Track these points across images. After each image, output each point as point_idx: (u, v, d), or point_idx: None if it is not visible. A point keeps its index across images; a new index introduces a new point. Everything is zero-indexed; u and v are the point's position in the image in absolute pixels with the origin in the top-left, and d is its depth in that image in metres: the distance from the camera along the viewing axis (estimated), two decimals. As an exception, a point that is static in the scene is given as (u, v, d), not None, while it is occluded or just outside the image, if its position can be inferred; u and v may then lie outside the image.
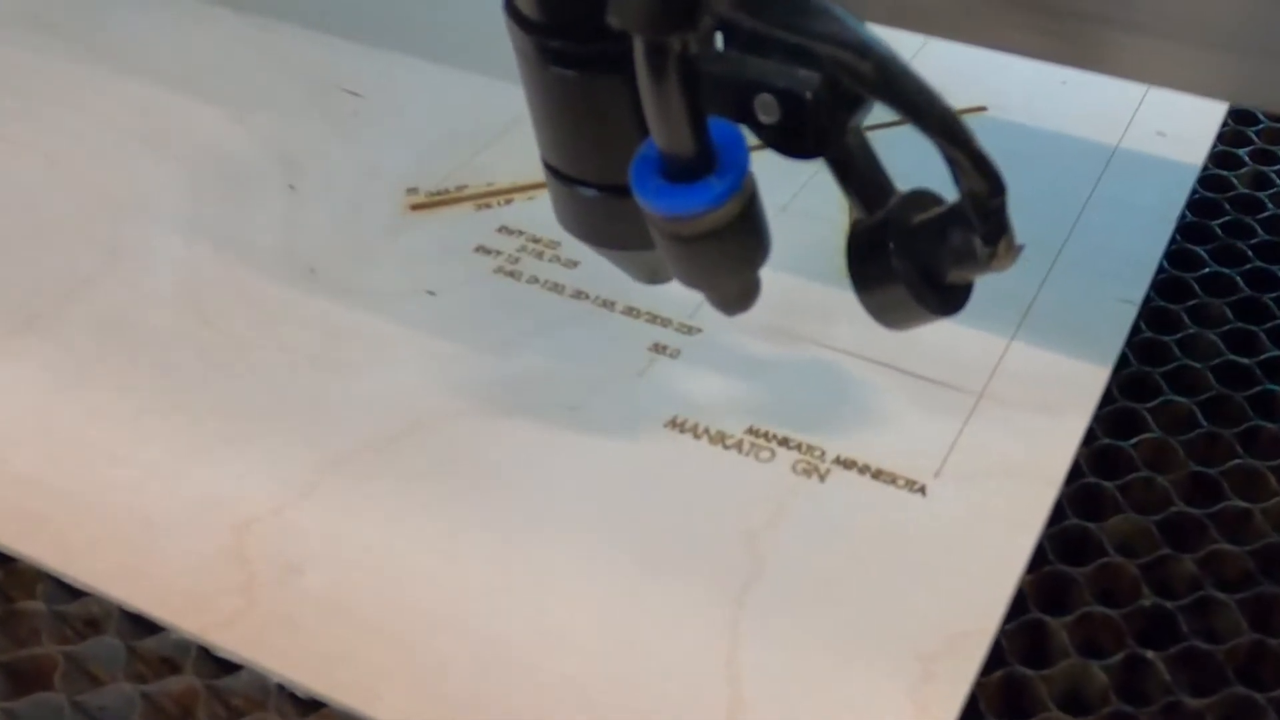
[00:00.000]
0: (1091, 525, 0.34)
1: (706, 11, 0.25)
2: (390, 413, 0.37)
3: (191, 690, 0.31)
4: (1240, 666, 0.31)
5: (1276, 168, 0.45)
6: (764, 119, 0.27)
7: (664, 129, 0.27)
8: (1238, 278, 0.41)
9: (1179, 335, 0.39)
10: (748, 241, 0.29)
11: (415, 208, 0.44)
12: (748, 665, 0.31)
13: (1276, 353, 0.38)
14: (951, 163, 0.25)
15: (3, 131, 0.48)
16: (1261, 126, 0.46)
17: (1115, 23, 0.29)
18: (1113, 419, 0.37)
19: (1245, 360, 0.38)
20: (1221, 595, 0.32)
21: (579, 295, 0.41)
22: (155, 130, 0.48)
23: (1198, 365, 0.38)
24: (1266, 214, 0.43)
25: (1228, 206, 0.43)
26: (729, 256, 0.29)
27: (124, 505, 0.35)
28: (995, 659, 0.31)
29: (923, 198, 0.29)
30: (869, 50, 0.25)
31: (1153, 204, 0.43)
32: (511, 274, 0.42)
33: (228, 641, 0.32)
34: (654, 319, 0.40)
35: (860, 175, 0.29)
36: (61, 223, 0.44)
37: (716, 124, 0.27)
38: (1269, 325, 0.39)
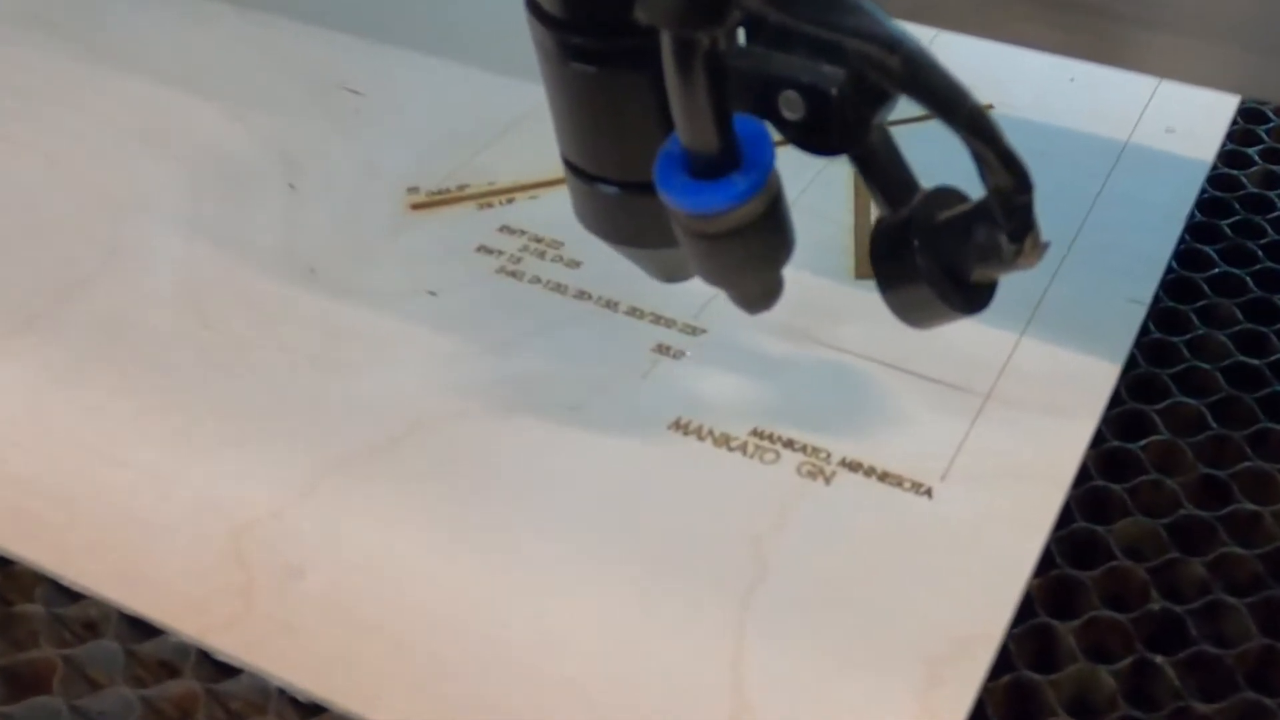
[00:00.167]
0: (1100, 528, 0.34)
1: (735, 6, 0.25)
2: (391, 414, 0.37)
3: (191, 694, 0.31)
4: (1250, 671, 0.31)
5: (1287, 167, 0.45)
6: (788, 115, 0.27)
7: (689, 125, 0.26)
8: (1247, 278, 0.40)
9: (1188, 336, 0.39)
10: (772, 239, 0.29)
11: (416, 207, 0.44)
12: (752, 669, 0.31)
13: (1287, 354, 0.38)
14: (978, 159, 0.25)
15: (2, 130, 0.48)
16: (1272, 125, 0.46)
17: (1126, 16, 0.29)
18: (1121, 421, 0.36)
19: (1255, 361, 0.38)
20: (1231, 599, 0.32)
21: (582, 295, 0.40)
22: (155, 129, 0.48)
23: (1207, 366, 0.38)
24: (1277, 213, 0.43)
25: (1237, 206, 0.43)
26: (753, 255, 0.29)
27: (122, 507, 0.35)
28: (1002, 663, 0.31)
29: (947, 195, 0.29)
30: (897, 44, 0.25)
31: (1162, 203, 0.43)
32: (513, 274, 0.41)
33: (227, 645, 0.31)
34: (658, 319, 0.40)
35: (884, 172, 0.29)
36: (60, 222, 0.44)
37: (741, 120, 0.27)
38: (1279, 326, 0.39)
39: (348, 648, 0.31)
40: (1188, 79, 0.30)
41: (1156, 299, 0.40)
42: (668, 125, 0.27)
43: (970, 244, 0.27)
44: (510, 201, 0.44)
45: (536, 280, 0.41)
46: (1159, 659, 0.31)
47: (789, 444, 0.36)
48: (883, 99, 0.27)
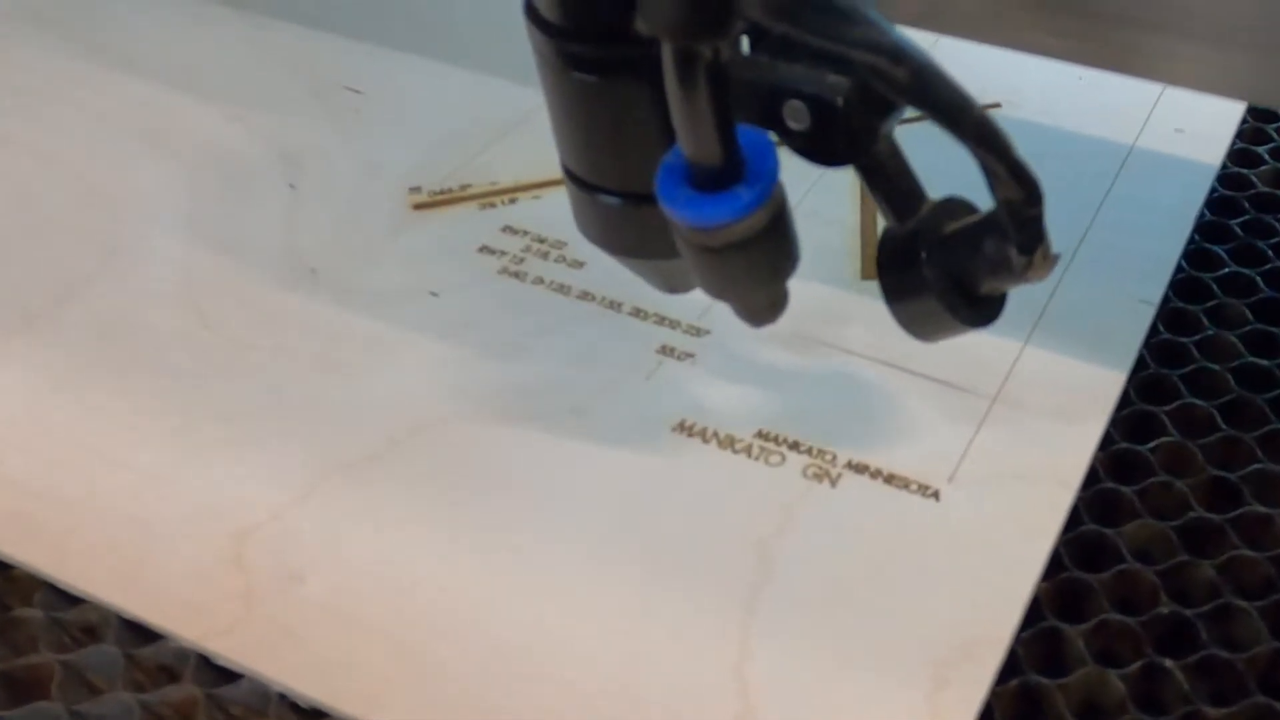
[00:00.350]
0: (1109, 531, 0.33)
1: (738, 17, 0.24)
2: (392, 416, 0.37)
3: (191, 699, 0.31)
4: (1261, 675, 0.31)
5: (1298, 165, 0.45)
6: (793, 126, 0.27)
7: (692, 137, 0.26)
8: (1257, 278, 0.40)
9: (1198, 337, 0.39)
10: (777, 252, 0.29)
11: (418, 207, 0.44)
12: (757, 672, 0.31)
13: (1297, 354, 0.38)
14: (987, 170, 0.25)
15: (1, 130, 0.48)
16: (1282, 124, 0.46)
17: (1135, 22, 0.28)
18: (1130, 422, 0.36)
19: (1265, 362, 0.38)
20: (1241, 602, 0.32)
21: (585, 296, 0.40)
22: (155, 129, 0.48)
23: (1217, 367, 0.38)
24: (1287, 213, 0.43)
25: (1247, 205, 0.43)
26: (757, 267, 0.29)
27: (121, 510, 0.35)
28: (1010, 667, 0.31)
29: (955, 206, 0.29)
30: (904, 56, 0.24)
31: (1171, 203, 0.43)
32: (516, 275, 0.41)
33: (227, 649, 0.31)
34: (662, 321, 0.39)
35: (891, 183, 0.28)
36: (59, 222, 0.44)
37: (745, 131, 0.27)
38: (1290, 327, 0.39)
39: (349, 652, 0.31)
40: (1197, 86, 0.30)
41: (1165, 299, 0.40)
42: (670, 136, 0.27)
43: (979, 256, 0.27)
44: (513, 201, 0.44)
45: (539, 281, 0.41)
46: (1169, 663, 0.31)
47: (794, 446, 0.36)
48: (889, 108, 0.27)
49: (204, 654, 0.31)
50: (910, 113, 0.27)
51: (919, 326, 0.29)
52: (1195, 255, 0.41)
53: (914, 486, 0.34)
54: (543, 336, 0.39)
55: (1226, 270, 0.41)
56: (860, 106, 0.26)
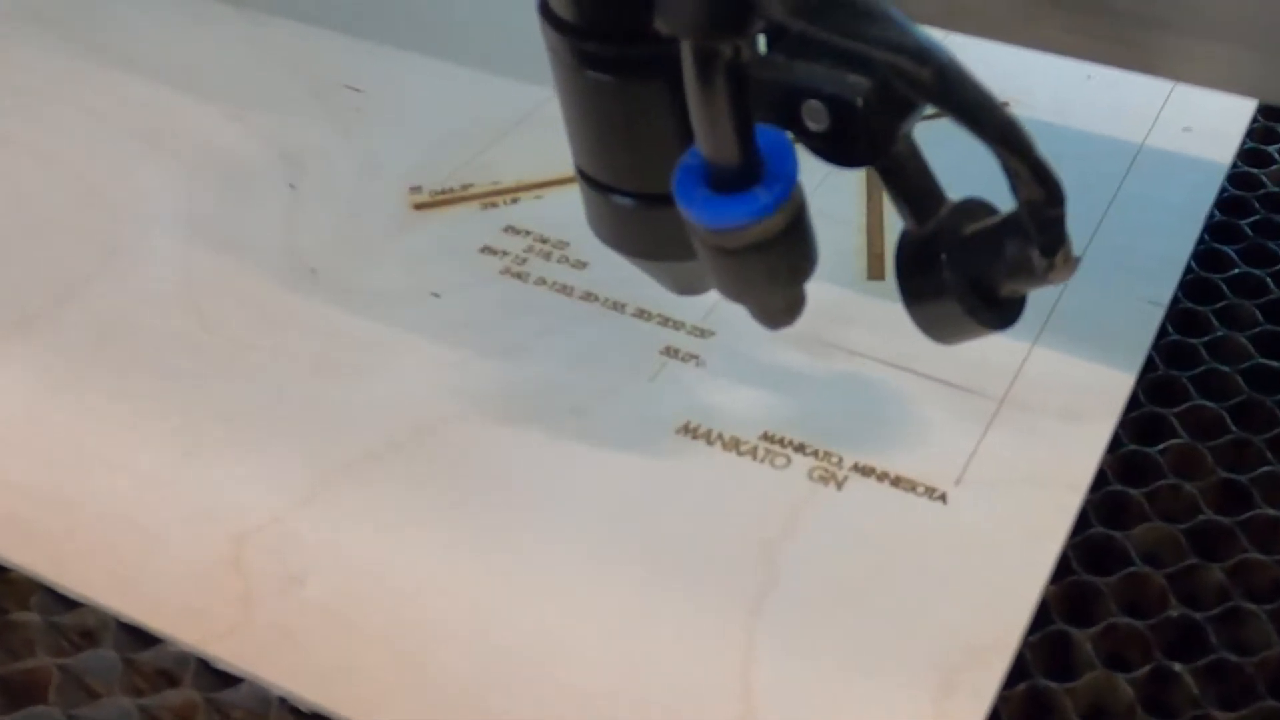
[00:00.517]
0: (1117, 534, 0.33)
1: (759, 15, 0.24)
2: (393, 418, 0.37)
3: (190, 704, 0.31)
4: (1271, 679, 0.30)
5: (1309, 165, 0.44)
6: (812, 126, 0.26)
7: (710, 137, 0.26)
8: (1268, 279, 0.40)
9: (1207, 338, 0.38)
10: (795, 254, 0.29)
11: (419, 207, 0.44)
12: (762, 677, 0.30)
13: (1308, 355, 0.38)
14: (1009, 171, 0.25)
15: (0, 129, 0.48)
16: (1293, 122, 0.46)
17: (1148, 19, 0.28)
18: (1139, 424, 0.36)
19: (1276, 364, 0.37)
20: (1251, 606, 0.32)
21: (588, 297, 0.40)
22: (154, 129, 0.47)
23: (1226, 369, 0.37)
24: (1299, 212, 0.43)
25: (1258, 205, 0.43)
26: (775, 270, 0.29)
27: (120, 513, 0.34)
28: (1018, 671, 0.31)
29: (975, 207, 0.28)
30: (929, 56, 0.24)
31: (1180, 202, 0.43)
32: (518, 275, 0.41)
33: (227, 653, 0.31)
34: (666, 322, 0.39)
35: (911, 184, 0.28)
36: (58, 222, 0.44)
37: (763, 131, 0.27)
38: (1300, 328, 0.39)
39: (349, 655, 0.31)
40: (1209, 83, 0.30)
41: (1175, 300, 0.39)
42: (686, 136, 0.27)
43: (1000, 258, 0.27)
44: (515, 201, 0.44)
45: (542, 281, 0.41)
46: (1178, 667, 0.30)
47: (800, 448, 0.35)
48: (909, 109, 0.27)
49: (203, 658, 0.31)
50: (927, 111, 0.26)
51: (938, 329, 0.29)
52: (1205, 256, 0.41)
53: (921, 489, 0.34)
54: (545, 337, 0.39)
55: (1236, 271, 0.40)
56: (880, 107, 0.26)
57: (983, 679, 0.30)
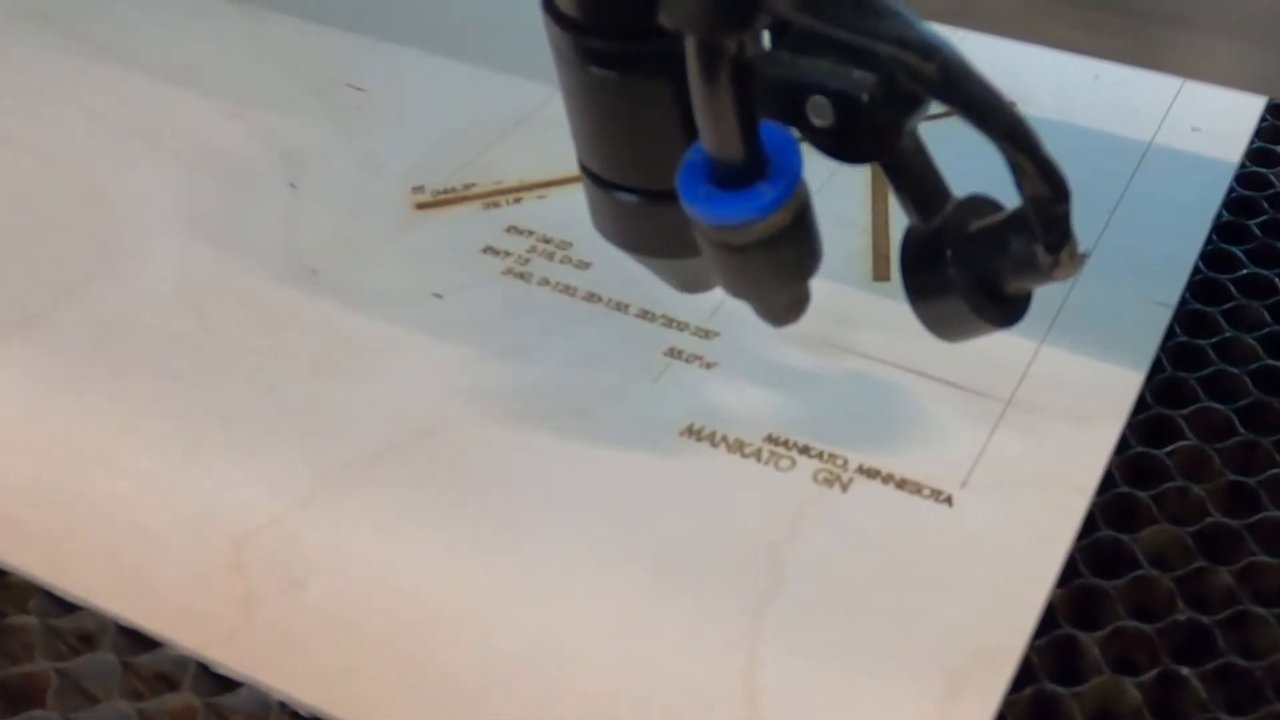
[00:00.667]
0: (1124, 537, 0.33)
1: (764, 10, 0.24)
2: (394, 420, 0.36)
3: (190, 708, 0.31)
4: (1279, 684, 0.30)
5: (1318, 165, 0.44)
6: (817, 122, 0.26)
7: (715, 133, 0.26)
8: (1276, 279, 0.40)
9: (1215, 339, 0.38)
10: (800, 250, 0.28)
11: (421, 207, 0.44)
12: (766, 681, 0.30)
13: (1317, 357, 0.38)
14: (1015, 167, 0.25)
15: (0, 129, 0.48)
16: (1303, 122, 0.46)
17: (1157, 15, 0.28)
18: (1146, 426, 0.36)
19: (1284, 365, 0.38)
20: (1260, 609, 0.32)
21: (591, 298, 0.40)
22: (154, 128, 0.47)
23: (1235, 370, 0.37)
24: (1309, 213, 0.43)
25: (1266, 205, 0.43)
26: (779, 267, 0.28)
27: (119, 516, 0.34)
28: (1024, 675, 0.30)
29: (980, 203, 0.28)
30: (934, 51, 0.24)
31: (1188, 203, 0.42)
32: (521, 276, 0.41)
33: (227, 657, 0.31)
34: (670, 322, 0.39)
35: (915, 181, 0.28)
36: (57, 222, 0.44)
37: (767, 128, 0.27)
38: (1310, 329, 0.39)
39: (350, 659, 0.31)
40: (1218, 80, 0.30)
41: (1183, 301, 0.39)
42: (691, 132, 0.27)
43: (1005, 255, 0.27)
44: (518, 201, 0.44)
45: (545, 282, 0.41)
46: (1185, 671, 0.30)
47: (805, 450, 0.35)
48: (914, 104, 0.27)
49: (203, 662, 0.31)
50: (932, 110, 0.26)
51: (943, 327, 0.29)
52: (1213, 256, 0.41)
53: (927, 491, 0.34)
54: (548, 338, 0.39)
55: (1245, 271, 0.40)
56: (885, 103, 0.26)
57: (989, 683, 0.30)
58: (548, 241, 0.42)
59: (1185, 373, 0.37)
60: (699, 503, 0.34)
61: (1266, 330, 0.38)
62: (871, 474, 0.35)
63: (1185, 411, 0.36)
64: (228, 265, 0.42)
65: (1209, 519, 0.34)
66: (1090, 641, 0.31)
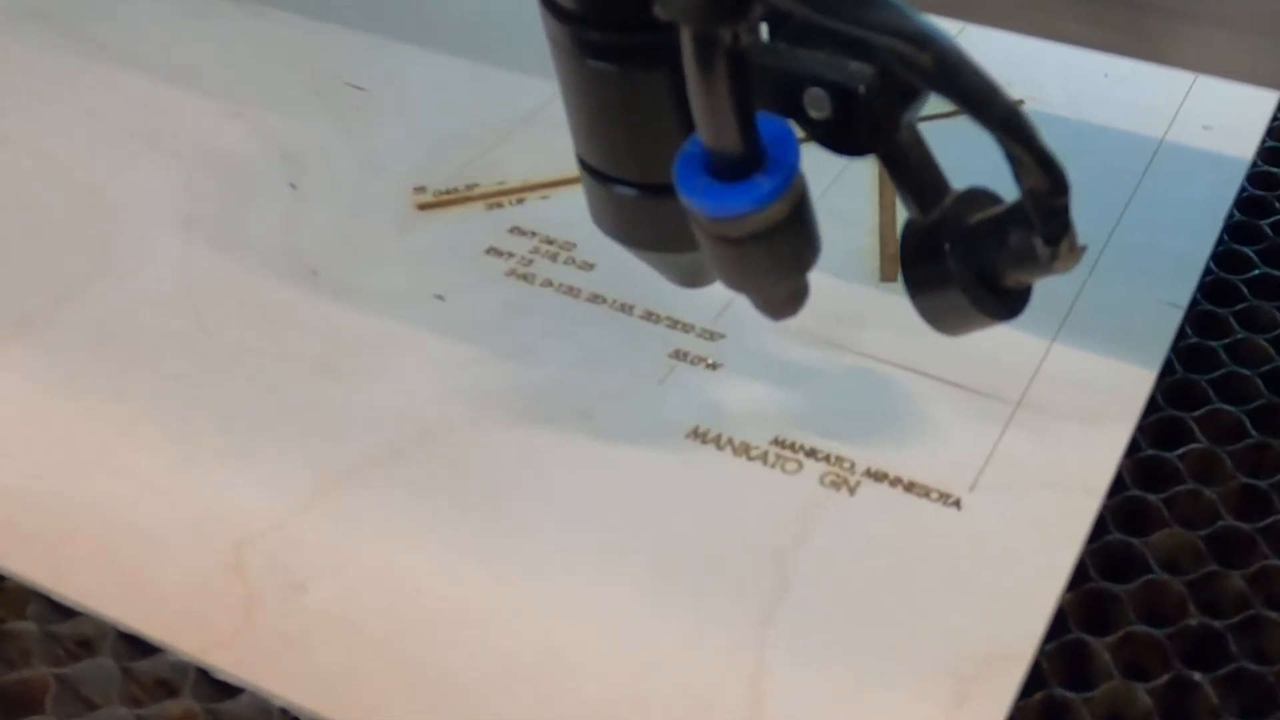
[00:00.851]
0: (1135, 540, 0.33)
1: (759, 1, 0.24)
2: (396, 422, 0.36)
3: (190, 714, 0.30)
4: (1292, 689, 0.30)
5: (1331, 164, 0.44)
6: (814, 114, 0.27)
7: (711, 125, 0.26)
8: (1289, 280, 0.40)
9: (1227, 340, 0.38)
10: (797, 242, 0.28)
11: (423, 207, 0.44)
12: (773, 686, 0.30)
13: (1329, 358, 0.38)
14: (1013, 160, 0.25)
15: (-1, 129, 0.48)
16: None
17: (1166, 9, 0.28)
18: (1157, 428, 0.36)
19: (1297, 366, 0.37)
20: (1272, 614, 0.31)
21: (595, 299, 0.40)
22: (154, 128, 0.47)
23: (1246, 372, 0.37)
24: (1321, 212, 0.42)
25: (1278, 205, 0.42)
26: (777, 259, 0.28)
27: (118, 519, 0.34)
28: (1034, 681, 0.30)
29: (979, 196, 0.28)
30: (929, 41, 0.24)
31: (1199, 202, 0.42)
32: (524, 277, 0.41)
33: (227, 663, 0.31)
34: (675, 324, 0.39)
35: (914, 173, 0.28)
36: (55, 222, 0.44)
37: (764, 119, 0.27)
38: (1322, 329, 0.38)
39: (351, 664, 0.31)
40: (1229, 75, 0.29)
41: (1194, 302, 0.39)
42: (688, 125, 0.27)
43: (1004, 248, 0.27)
44: (521, 201, 0.44)
45: (548, 283, 0.41)
46: (1197, 676, 0.30)
47: (811, 453, 0.35)
48: (912, 96, 0.27)
49: (203, 667, 0.31)
50: (930, 109, 0.26)
51: (943, 320, 0.29)
52: (1224, 256, 0.41)
53: (935, 495, 0.34)
54: (552, 340, 0.39)
55: (1257, 272, 0.40)
56: (882, 94, 0.26)
57: (998, 688, 0.30)
58: (551, 242, 0.42)
59: (1196, 374, 0.37)
60: (704, 505, 0.34)
61: (1278, 332, 0.38)
62: (879, 477, 0.34)
63: (1196, 413, 0.36)
64: (228, 265, 0.41)
65: (1220, 522, 0.33)
66: (1101, 646, 0.31)
